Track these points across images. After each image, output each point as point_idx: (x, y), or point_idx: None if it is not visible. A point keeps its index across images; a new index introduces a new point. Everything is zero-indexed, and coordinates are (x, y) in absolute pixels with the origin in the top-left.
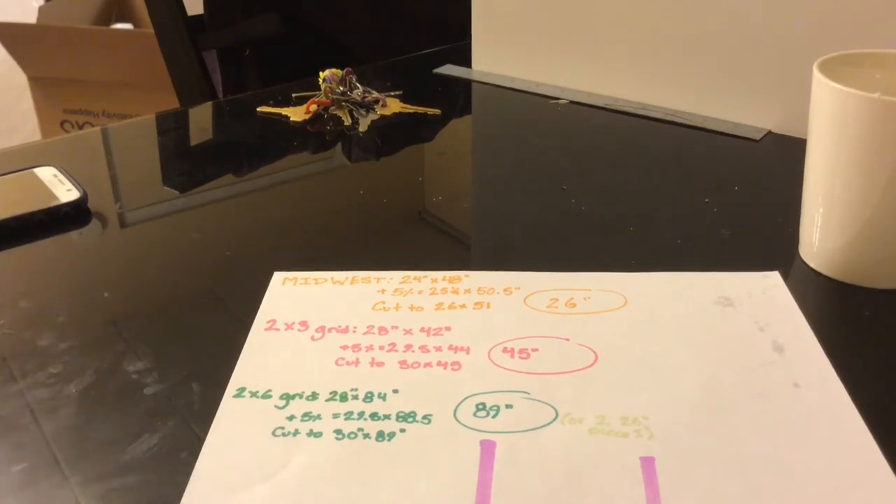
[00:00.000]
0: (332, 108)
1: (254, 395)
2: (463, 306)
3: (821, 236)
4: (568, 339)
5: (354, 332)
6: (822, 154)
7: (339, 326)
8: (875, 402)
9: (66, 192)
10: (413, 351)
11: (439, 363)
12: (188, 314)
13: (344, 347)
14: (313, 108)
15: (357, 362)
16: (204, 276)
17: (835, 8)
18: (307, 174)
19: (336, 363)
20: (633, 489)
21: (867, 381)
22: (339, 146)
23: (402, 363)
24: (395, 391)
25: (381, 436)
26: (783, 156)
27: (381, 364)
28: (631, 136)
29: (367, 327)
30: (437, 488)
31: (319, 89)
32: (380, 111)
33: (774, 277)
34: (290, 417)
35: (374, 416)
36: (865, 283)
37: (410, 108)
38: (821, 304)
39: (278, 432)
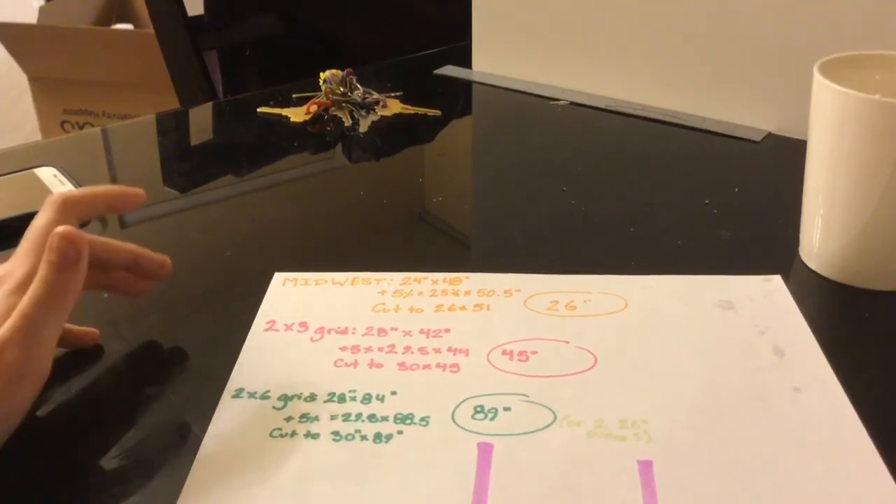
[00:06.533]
0: (333, 108)
1: (252, 395)
2: (463, 308)
3: (821, 238)
4: (567, 342)
5: (354, 333)
6: (822, 155)
7: (339, 328)
8: (875, 406)
9: None
10: (412, 353)
11: (438, 365)
12: (188, 314)
13: (343, 349)
14: (313, 108)
15: (356, 364)
16: (204, 276)
17: (835, 9)
18: (307, 174)
19: (335, 364)
20: (631, 493)
21: (867, 385)
22: (339, 147)
23: (401, 365)
24: (394, 393)
25: (378, 438)
26: (783, 157)
27: (379, 366)
28: (631, 137)
29: (367, 328)
30: (434, 491)
31: (320, 90)
32: (380, 112)
33: (776, 281)
34: (288, 419)
35: (371, 417)
36: (866, 285)
37: (411, 109)
38: (821, 306)
39: (276, 433)
